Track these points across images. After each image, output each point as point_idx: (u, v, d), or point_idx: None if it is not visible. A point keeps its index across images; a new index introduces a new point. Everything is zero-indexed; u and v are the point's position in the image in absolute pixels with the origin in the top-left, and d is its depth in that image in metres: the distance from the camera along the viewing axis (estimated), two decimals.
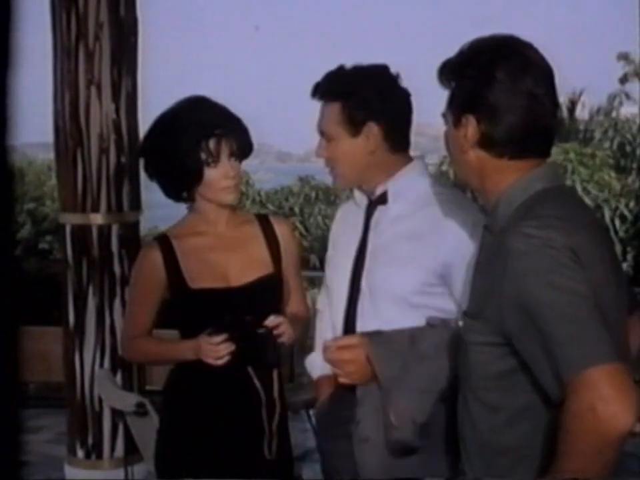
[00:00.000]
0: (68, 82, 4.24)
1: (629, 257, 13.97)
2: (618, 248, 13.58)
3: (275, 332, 2.42)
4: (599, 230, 1.83)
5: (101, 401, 4.29)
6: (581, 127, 21.09)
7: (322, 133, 2.29)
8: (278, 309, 2.53)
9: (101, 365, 4.30)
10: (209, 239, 2.55)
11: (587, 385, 1.47)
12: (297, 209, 19.23)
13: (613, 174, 16.13)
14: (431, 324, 2.11)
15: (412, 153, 2.35)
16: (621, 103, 23.33)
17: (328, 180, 2.47)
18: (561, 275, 1.56)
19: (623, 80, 24.60)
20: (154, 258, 2.52)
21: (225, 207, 2.54)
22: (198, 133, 2.45)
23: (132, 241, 4.32)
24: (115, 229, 4.28)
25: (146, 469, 3.84)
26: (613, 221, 14.34)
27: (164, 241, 2.55)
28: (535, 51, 1.74)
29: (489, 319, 1.66)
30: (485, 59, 1.72)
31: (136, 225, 4.45)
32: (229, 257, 2.54)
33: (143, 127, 4.10)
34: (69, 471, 4.42)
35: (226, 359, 2.39)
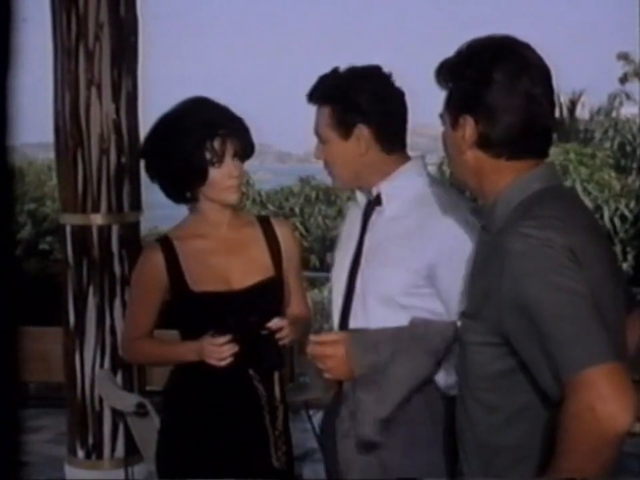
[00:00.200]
0: (68, 82, 4.25)
1: (629, 256, 13.95)
2: (618, 248, 13.58)
3: (278, 335, 2.43)
4: (596, 230, 1.84)
5: (101, 401, 4.29)
6: (581, 127, 21.10)
7: (317, 135, 2.31)
8: (279, 312, 2.53)
9: (101, 365, 4.30)
10: (211, 242, 2.56)
11: (586, 385, 1.47)
12: (297, 210, 19.22)
13: (613, 174, 16.12)
14: (413, 324, 2.13)
15: (412, 153, 2.35)
16: (621, 103, 23.34)
17: (328, 180, 2.48)
18: (560, 275, 1.56)
19: (623, 80, 24.61)
20: (156, 260, 2.52)
21: (227, 207, 2.55)
22: (202, 133, 2.46)
23: (132, 242, 4.32)
24: (115, 230, 4.28)
25: (146, 469, 3.84)
26: (613, 221, 14.33)
27: (166, 243, 2.55)
28: (533, 51, 1.74)
29: (487, 319, 1.66)
30: (482, 59, 1.72)
31: (136, 225, 4.45)
32: (230, 260, 2.55)
33: (143, 127, 4.10)
34: (69, 471, 4.42)
35: (229, 360, 2.40)
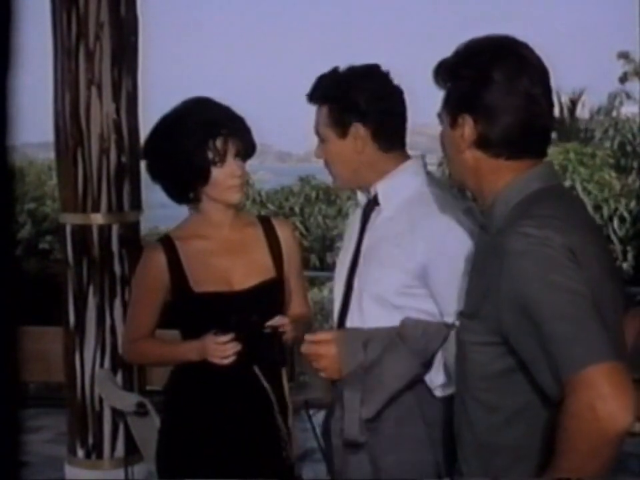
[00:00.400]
0: (68, 82, 4.25)
1: (629, 256, 13.95)
2: (618, 248, 13.58)
3: (280, 330, 2.44)
4: (594, 229, 1.84)
5: (101, 400, 4.29)
6: (581, 127, 21.08)
7: (317, 134, 2.32)
8: (280, 313, 2.54)
9: (102, 364, 4.30)
10: (213, 242, 2.56)
11: (586, 384, 1.47)
12: (297, 209, 19.20)
13: (613, 173, 16.10)
14: (402, 324, 2.13)
15: (411, 152, 2.35)
16: (621, 103, 23.31)
17: (328, 180, 2.48)
18: (559, 274, 1.56)
19: (623, 79, 24.58)
20: (158, 260, 2.52)
21: (230, 207, 2.55)
22: (204, 133, 2.46)
23: (132, 241, 4.32)
24: (115, 229, 4.29)
25: (146, 469, 3.84)
26: (612, 220, 14.32)
27: (167, 243, 2.55)
28: (531, 51, 1.75)
29: (486, 319, 1.66)
30: (481, 59, 1.72)
31: (136, 224, 4.46)
32: (232, 261, 2.55)
33: (144, 127, 4.11)
34: (69, 470, 4.42)
35: (232, 358, 2.40)
